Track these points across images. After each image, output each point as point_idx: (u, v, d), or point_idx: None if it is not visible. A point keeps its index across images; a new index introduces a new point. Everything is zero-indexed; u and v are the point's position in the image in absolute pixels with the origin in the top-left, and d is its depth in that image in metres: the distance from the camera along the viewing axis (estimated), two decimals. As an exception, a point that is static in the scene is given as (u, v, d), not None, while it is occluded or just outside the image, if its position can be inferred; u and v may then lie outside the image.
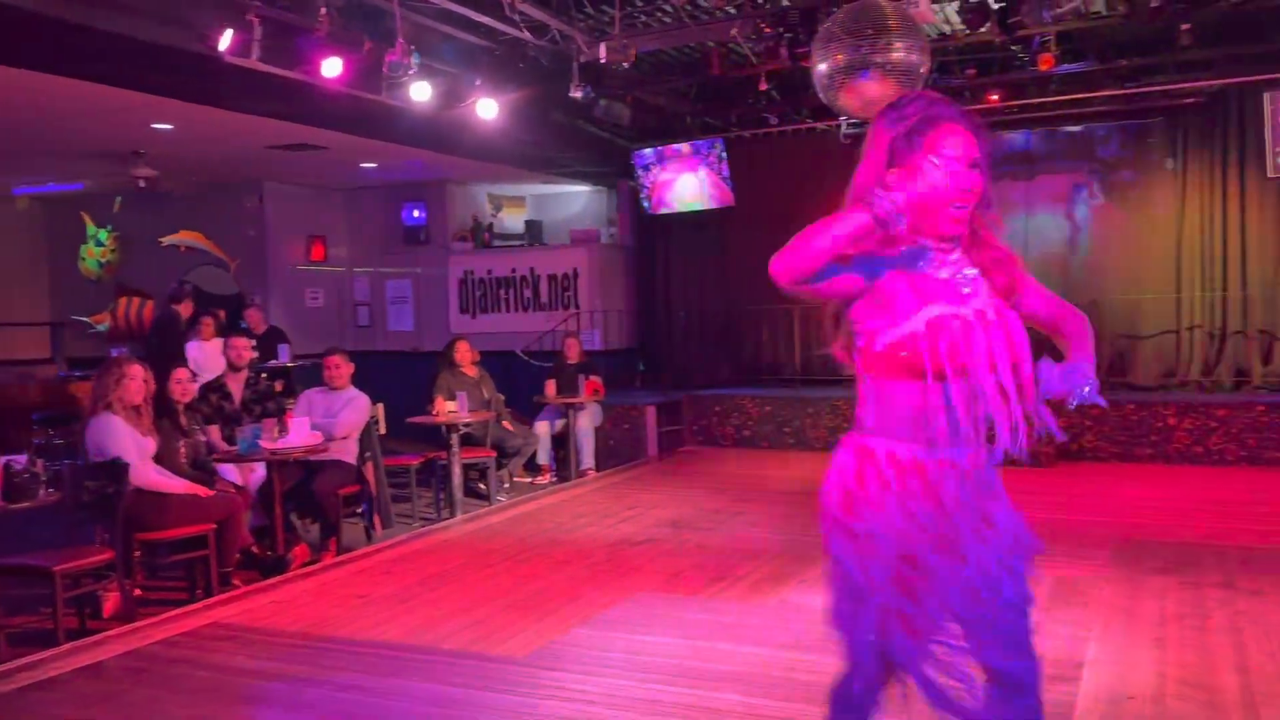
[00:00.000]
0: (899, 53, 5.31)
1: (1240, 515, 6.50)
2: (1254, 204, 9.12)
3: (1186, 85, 8.79)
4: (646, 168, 10.85)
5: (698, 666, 3.94)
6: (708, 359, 11.24)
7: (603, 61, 7.56)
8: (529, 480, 8.70)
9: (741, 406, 10.13)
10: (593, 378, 8.79)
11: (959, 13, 7.45)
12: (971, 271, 2.05)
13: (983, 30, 7.29)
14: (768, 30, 7.49)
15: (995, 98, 8.84)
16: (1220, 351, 9.26)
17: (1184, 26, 7.34)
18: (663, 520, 6.73)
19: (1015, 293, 2.08)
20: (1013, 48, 8.22)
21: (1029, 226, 9.83)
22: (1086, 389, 1.94)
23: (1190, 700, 3.50)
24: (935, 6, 7.30)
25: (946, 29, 8.19)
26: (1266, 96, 8.41)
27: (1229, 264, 9.20)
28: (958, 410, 1.95)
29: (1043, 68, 7.87)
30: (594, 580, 5.26)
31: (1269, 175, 8.63)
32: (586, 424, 8.83)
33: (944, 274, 2.02)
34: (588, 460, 8.84)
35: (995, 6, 7.03)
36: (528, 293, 11.64)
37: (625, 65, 7.61)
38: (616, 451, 9.58)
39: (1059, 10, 6.89)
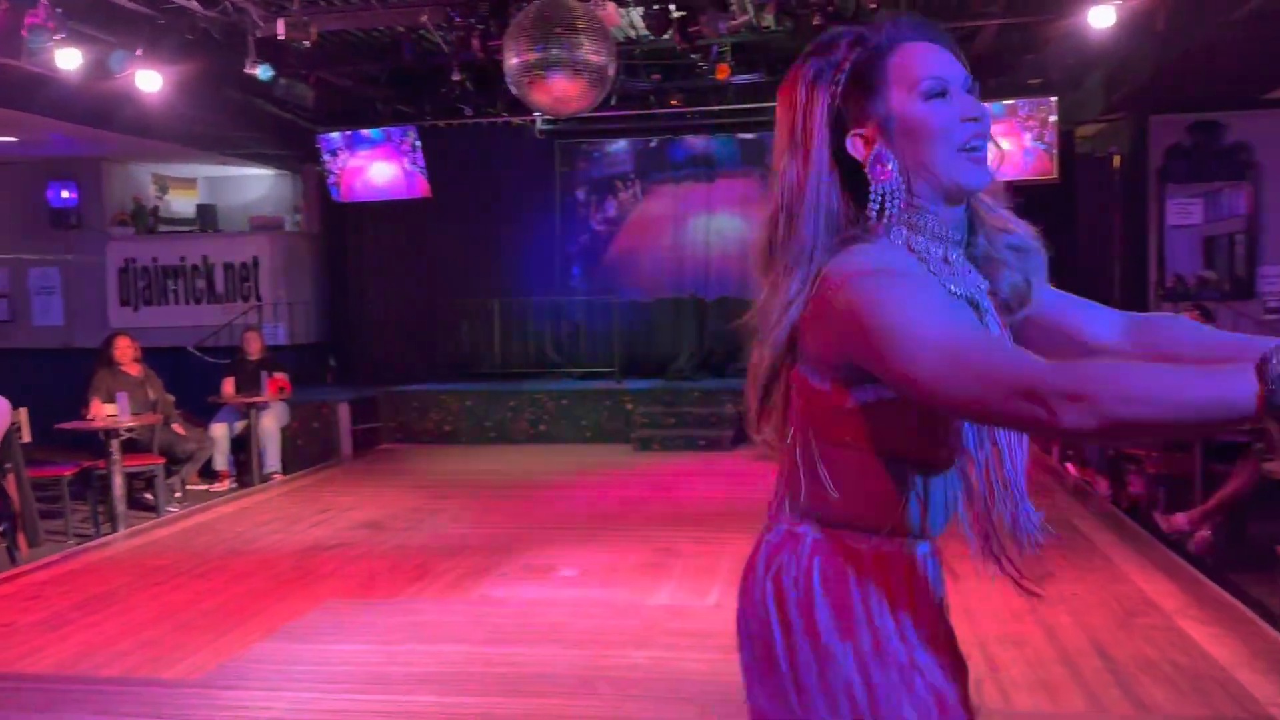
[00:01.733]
0: (586, 52, 5.44)
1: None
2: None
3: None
4: (334, 153, 10.37)
5: (391, 671, 3.84)
6: (405, 354, 10.98)
7: (281, 38, 7.13)
8: (205, 488, 8.06)
9: (441, 402, 9.97)
10: (277, 375, 8.29)
11: (643, 18, 7.75)
12: (984, 282, 1.31)
13: (665, 37, 7.63)
14: (459, 20, 7.40)
15: (676, 102, 9.30)
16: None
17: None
18: (357, 522, 6.49)
19: (1029, 300, 1.35)
20: (693, 55, 8.68)
21: (710, 226, 10.47)
22: None
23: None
24: (621, 10, 7.54)
25: (632, 33, 8.51)
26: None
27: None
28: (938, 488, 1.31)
29: (719, 76, 8.42)
30: (280, 591, 4.97)
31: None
32: (271, 424, 8.32)
33: (954, 288, 1.26)
34: (273, 463, 8.33)
35: (676, 15, 7.37)
36: (200, 283, 10.78)
37: (306, 44, 7.21)
38: (305, 453, 9.11)
39: (733, 23, 7.35)
